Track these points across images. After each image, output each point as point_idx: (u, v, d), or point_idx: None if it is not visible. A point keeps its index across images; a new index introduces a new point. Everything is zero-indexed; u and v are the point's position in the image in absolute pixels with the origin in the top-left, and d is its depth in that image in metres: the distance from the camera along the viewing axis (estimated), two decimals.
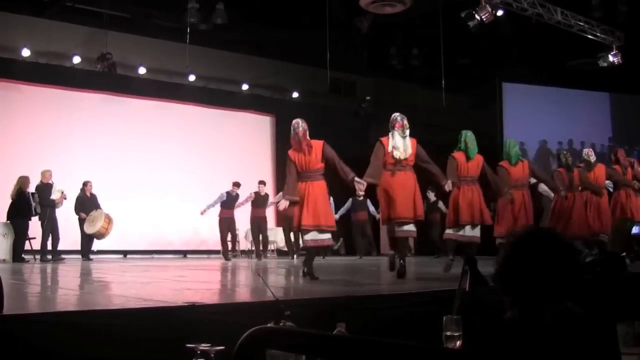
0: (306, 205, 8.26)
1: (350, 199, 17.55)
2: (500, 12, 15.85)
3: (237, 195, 16.49)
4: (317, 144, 8.51)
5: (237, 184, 16.44)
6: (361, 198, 17.32)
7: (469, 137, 9.79)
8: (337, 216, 17.09)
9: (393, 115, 8.82)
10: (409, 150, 8.59)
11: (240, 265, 13.87)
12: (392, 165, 8.56)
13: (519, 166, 10.35)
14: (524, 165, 10.42)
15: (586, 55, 18.68)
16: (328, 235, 8.52)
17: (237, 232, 16.82)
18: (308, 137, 8.54)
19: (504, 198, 10.09)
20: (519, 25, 17.81)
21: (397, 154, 8.51)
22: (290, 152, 8.57)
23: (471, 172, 9.69)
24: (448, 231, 9.73)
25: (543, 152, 21.41)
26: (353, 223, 17.99)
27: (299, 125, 8.63)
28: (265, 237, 17.11)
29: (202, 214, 16.44)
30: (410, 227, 8.61)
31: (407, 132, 8.68)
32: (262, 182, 17.06)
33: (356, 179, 8.30)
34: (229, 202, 16.31)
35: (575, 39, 17.57)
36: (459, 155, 9.71)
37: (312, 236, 8.32)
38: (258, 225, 16.82)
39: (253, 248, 17.31)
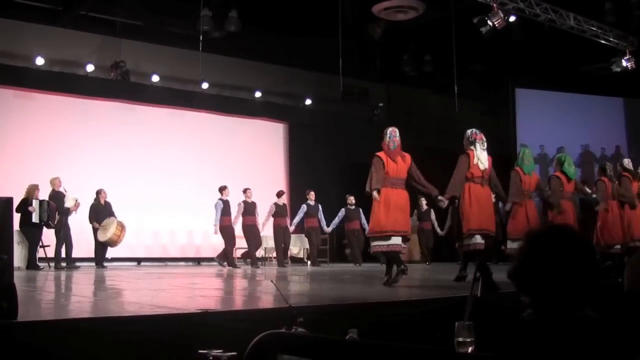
0: (393, 211, 8.56)
1: (343, 209, 17.78)
2: (512, 18, 15.83)
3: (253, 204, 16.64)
4: (408, 156, 8.87)
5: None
6: (353, 207, 17.66)
7: (526, 153, 10.38)
8: (329, 229, 17.54)
9: (470, 130, 9.09)
10: (487, 162, 8.91)
11: (255, 272, 13.88)
12: (479, 178, 8.82)
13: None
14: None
15: (599, 61, 18.62)
16: (399, 240, 8.71)
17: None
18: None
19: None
20: (531, 31, 17.78)
21: (481, 166, 8.80)
22: (382, 155, 8.77)
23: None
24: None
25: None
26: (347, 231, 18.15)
27: (396, 134, 8.89)
28: (287, 246, 17.23)
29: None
30: (483, 240, 8.83)
31: (485, 144, 8.99)
32: (282, 192, 17.28)
33: (439, 197, 8.75)
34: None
35: (588, 44, 17.52)
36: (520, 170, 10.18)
37: (393, 241, 8.57)
38: (282, 234, 16.96)
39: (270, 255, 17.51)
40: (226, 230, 16.02)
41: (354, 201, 17.61)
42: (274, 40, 19.30)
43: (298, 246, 18.33)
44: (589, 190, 12.40)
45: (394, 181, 8.69)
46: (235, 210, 16.24)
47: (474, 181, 8.79)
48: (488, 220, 8.81)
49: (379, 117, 21.68)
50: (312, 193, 17.39)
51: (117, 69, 17.60)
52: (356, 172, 17.28)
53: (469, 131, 9.04)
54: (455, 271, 9.51)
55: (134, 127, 18.17)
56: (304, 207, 17.32)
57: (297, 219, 17.35)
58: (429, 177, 9.13)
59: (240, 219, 16.31)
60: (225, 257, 16.05)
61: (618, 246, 11.73)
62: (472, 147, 8.87)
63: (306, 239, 17.62)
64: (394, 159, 8.72)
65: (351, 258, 17.97)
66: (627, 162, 12.51)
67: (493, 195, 9.28)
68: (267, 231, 17.07)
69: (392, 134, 8.85)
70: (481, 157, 8.80)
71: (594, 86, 20.48)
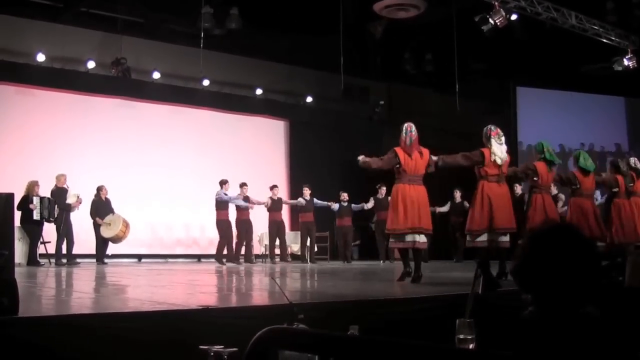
0: (412, 209, 8.46)
1: (337, 204, 17.92)
2: (514, 17, 15.82)
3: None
4: (426, 152, 8.73)
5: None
6: (346, 204, 17.85)
7: (549, 147, 10.09)
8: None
9: (486, 127, 8.92)
10: (505, 156, 8.74)
11: (255, 269, 13.87)
12: (494, 176, 8.64)
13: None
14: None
15: (601, 60, 18.61)
16: (425, 238, 8.71)
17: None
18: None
19: None
20: (533, 29, 17.77)
21: (499, 160, 8.63)
22: (399, 150, 8.63)
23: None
24: None
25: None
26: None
27: (412, 129, 8.70)
28: (283, 241, 17.21)
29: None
30: (507, 238, 8.68)
31: (503, 139, 8.83)
32: (275, 186, 17.20)
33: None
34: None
35: (589, 43, 17.52)
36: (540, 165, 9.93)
37: (417, 238, 8.53)
38: (277, 228, 17.00)
39: (267, 252, 17.49)
40: (222, 224, 16.07)
41: (347, 198, 17.80)
42: (275, 38, 19.28)
43: (298, 243, 18.33)
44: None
45: (411, 178, 8.57)
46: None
47: (489, 179, 8.63)
48: (505, 218, 8.67)
49: (379, 115, 21.69)
50: (307, 189, 17.39)
51: (118, 66, 17.60)
52: (356, 170, 17.32)
53: (485, 128, 8.92)
54: (455, 269, 9.52)
55: (134, 124, 18.15)
56: (300, 201, 17.40)
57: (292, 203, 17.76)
58: (430, 176, 9.07)
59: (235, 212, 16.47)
60: (221, 253, 16.06)
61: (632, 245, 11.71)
62: (488, 145, 8.73)
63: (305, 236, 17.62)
64: (410, 154, 8.58)
65: (339, 255, 18.01)
66: (635, 162, 12.44)
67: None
68: (264, 228, 17.22)
69: (408, 129, 8.67)
70: (497, 152, 8.64)
71: (595, 85, 20.46)
